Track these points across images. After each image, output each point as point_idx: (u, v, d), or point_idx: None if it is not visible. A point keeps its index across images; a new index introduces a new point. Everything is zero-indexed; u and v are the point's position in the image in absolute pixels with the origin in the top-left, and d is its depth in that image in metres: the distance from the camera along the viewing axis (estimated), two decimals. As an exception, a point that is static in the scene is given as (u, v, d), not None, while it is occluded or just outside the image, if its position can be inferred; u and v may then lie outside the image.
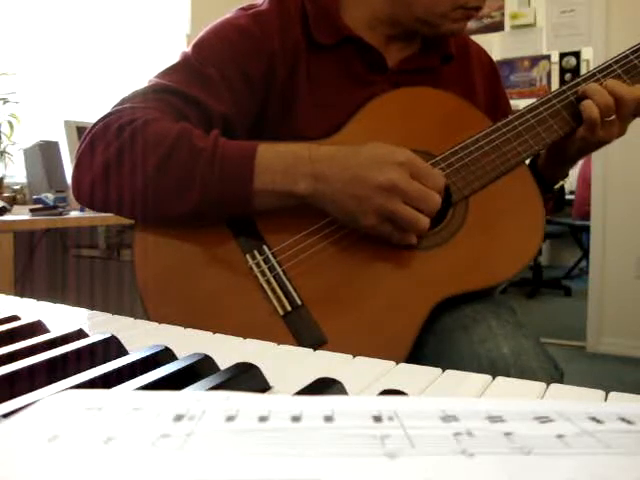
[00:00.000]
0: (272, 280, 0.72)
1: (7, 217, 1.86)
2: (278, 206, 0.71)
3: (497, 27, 3.37)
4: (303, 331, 0.70)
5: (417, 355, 0.72)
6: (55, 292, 2.46)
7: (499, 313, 0.74)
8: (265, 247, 0.73)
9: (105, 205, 0.74)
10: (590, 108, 0.74)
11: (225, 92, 0.76)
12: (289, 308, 0.71)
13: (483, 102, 0.90)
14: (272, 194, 0.70)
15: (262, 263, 0.72)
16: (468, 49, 0.91)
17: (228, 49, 0.78)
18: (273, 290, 0.71)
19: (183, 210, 0.70)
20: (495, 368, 0.66)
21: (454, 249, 0.74)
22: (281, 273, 0.72)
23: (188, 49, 0.79)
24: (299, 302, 0.71)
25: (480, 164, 0.75)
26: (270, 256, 0.72)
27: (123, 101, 0.76)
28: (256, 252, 0.73)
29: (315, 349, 0.41)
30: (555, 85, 3.29)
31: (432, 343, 0.74)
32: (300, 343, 0.69)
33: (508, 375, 0.35)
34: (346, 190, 0.68)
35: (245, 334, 0.44)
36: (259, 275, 0.72)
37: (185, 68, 0.77)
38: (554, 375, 0.68)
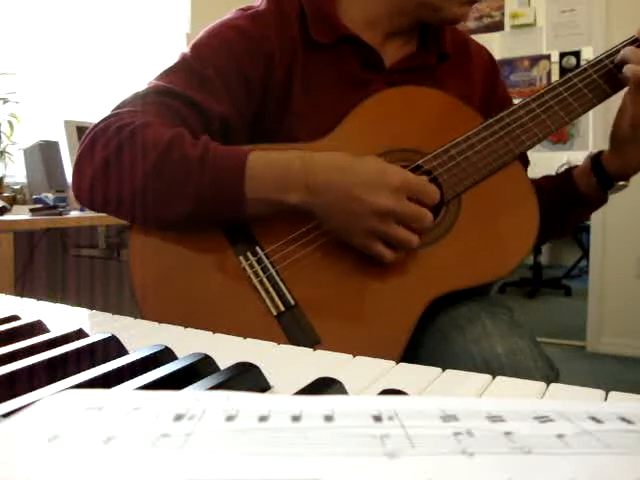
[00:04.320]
0: (265, 281, 0.72)
1: (7, 217, 1.86)
2: (270, 213, 0.71)
3: (497, 27, 3.37)
4: (296, 331, 0.70)
5: (413, 355, 0.72)
6: (55, 292, 2.46)
7: (494, 313, 0.74)
8: (258, 248, 0.73)
9: (105, 203, 0.74)
10: (633, 68, 0.72)
11: (223, 93, 0.76)
12: (282, 308, 0.71)
13: (480, 97, 0.89)
14: (264, 202, 0.70)
15: (255, 264, 0.72)
16: (467, 46, 0.91)
17: (226, 50, 0.78)
18: (266, 291, 0.71)
19: (178, 215, 0.70)
20: (490, 368, 0.65)
21: (447, 247, 0.74)
22: (274, 274, 0.72)
23: (187, 50, 0.80)
24: (292, 302, 0.71)
25: (472, 161, 0.75)
26: (263, 257, 0.72)
27: (123, 104, 0.76)
28: (249, 253, 0.73)
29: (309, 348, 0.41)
30: (555, 85, 3.28)
31: (428, 343, 0.74)
32: (294, 343, 0.69)
33: (503, 375, 0.35)
34: (340, 207, 0.68)
35: (238, 335, 0.44)
36: (252, 276, 0.72)
37: (184, 69, 0.77)
38: (549, 375, 0.67)
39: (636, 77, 0.72)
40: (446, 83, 0.84)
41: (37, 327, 0.41)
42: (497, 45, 3.35)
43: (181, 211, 0.70)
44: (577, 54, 3.19)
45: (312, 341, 0.70)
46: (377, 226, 0.68)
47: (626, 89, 0.75)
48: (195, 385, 0.29)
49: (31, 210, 1.93)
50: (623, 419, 0.19)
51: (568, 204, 0.86)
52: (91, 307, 0.52)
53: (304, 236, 0.73)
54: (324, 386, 0.30)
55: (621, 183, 0.81)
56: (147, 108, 0.74)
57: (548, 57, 3.30)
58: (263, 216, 0.72)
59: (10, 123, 2.43)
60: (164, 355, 0.34)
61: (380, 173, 0.68)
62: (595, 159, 0.82)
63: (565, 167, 0.90)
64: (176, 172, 0.69)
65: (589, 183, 0.82)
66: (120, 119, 0.72)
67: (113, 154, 0.70)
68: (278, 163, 0.70)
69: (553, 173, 0.92)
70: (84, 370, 0.31)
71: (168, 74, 0.78)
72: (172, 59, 0.80)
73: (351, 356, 0.39)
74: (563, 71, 3.21)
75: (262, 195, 0.69)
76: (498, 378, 0.34)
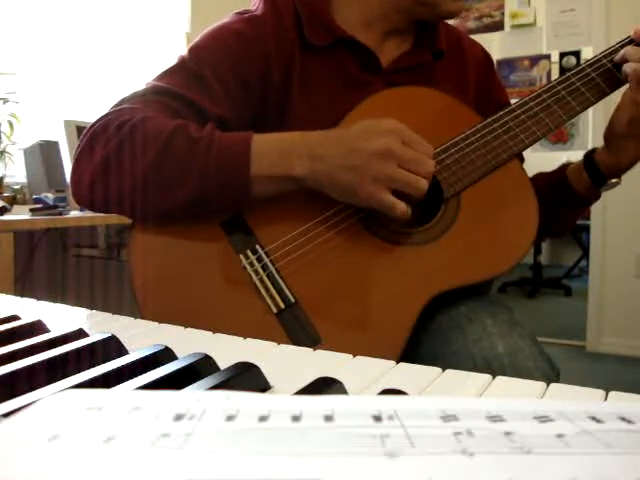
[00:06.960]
0: (265, 279, 0.72)
1: (7, 217, 1.85)
2: (276, 192, 0.72)
3: (497, 27, 3.37)
4: (297, 329, 0.71)
5: (413, 355, 0.72)
6: (55, 292, 2.46)
7: (495, 312, 0.74)
8: (258, 246, 0.73)
9: (105, 202, 0.73)
10: (634, 65, 0.73)
11: (222, 95, 0.77)
12: (282, 306, 0.71)
13: (475, 95, 0.90)
14: (269, 179, 0.70)
15: (255, 262, 0.72)
16: (461, 43, 0.91)
17: (224, 52, 0.78)
18: (266, 288, 0.72)
19: (181, 201, 0.70)
20: (490, 368, 0.65)
21: (446, 245, 0.74)
22: (274, 271, 0.72)
23: (185, 52, 0.80)
24: (292, 300, 0.71)
25: (470, 159, 0.76)
26: (263, 255, 0.73)
27: (121, 102, 0.76)
28: (249, 251, 0.73)
29: (309, 347, 0.41)
30: (555, 85, 3.28)
31: (428, 343, 0.74)
32: (294, 341, 0.69)
33: (503, 375, 0.35)
34: (342, 164, 0.69)
35: (239, 333, 0.44)
36: (252, 274, 0.72)
37: (182, 71, 0.78)
38: (550, 375, 0.68)
39: (636, 74, 0.73)
40: (442, 81, 0.85)
41: (37, 327, 0.41)
42: (497, 45, 3.35)
43: (186, 195, 0.70)
44: (577, 54, 3.19)
45: (312, 338, 0.70)
46: (380, 170, 0.68)
47: (624, 87, 0.76)
48: (195, 385, 0.29)
49: (31, 210, 1.93)
50: (623, 419, 0.19)
51: (561, 201, 0.86)
52: (91, 307, 0.52)
53: (304, 234, 0.73)
54: (324, 386, 0.30)
55: (613, 180, 0.81)
56: (146, 106, 0.74)
57: (548, 57, 3.30)
58: (268, 195, 0.72)
59: (10, 123, 2.43)
60: (164, 355, 0.34)
61: (372, 122, 0.70)
62: (588, 156, 0.83)
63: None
64: (181, 155, 0.69)
65: (582, 180, 0.83)
66: (120, 115, 0.72)
67: (114, 152, 0.70)
68: (281, 140, 0.72)
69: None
70: (84, 370, 0.31)
71: (166, 75, 0.78)
72: (171, 60, 0.80)
73: (351, 356, 0.39)
74: (563, 71, 3.21)
75: (267, 171, 0.70)
76: (498, 378, 0.34)
